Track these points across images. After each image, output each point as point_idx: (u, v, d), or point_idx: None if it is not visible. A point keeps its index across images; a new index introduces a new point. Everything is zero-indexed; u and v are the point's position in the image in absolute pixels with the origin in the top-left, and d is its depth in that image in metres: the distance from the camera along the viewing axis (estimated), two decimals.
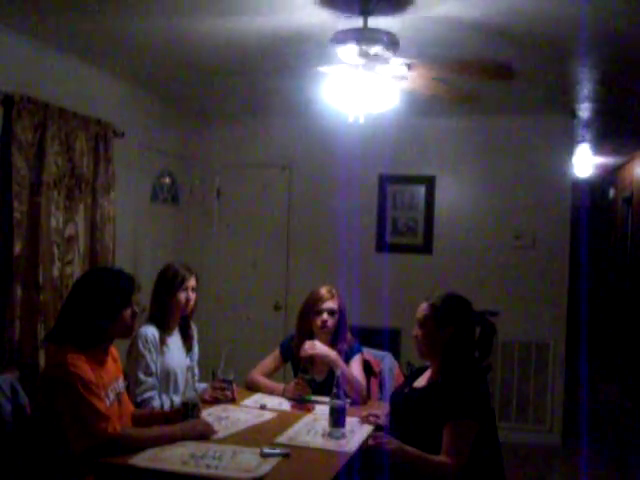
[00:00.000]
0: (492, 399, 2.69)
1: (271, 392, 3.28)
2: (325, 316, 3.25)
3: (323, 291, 3.31)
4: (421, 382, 2.62)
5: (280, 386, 3.29)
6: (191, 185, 5.66)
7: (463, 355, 2.50)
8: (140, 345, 2.98)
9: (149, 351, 3.00)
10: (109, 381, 2.45)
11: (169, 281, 3.11)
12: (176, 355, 3.13)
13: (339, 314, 3.30)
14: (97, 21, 3.31)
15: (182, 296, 3.12)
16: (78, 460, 2.26)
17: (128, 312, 2.49)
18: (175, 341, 3.17)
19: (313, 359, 3.23)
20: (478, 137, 5.36)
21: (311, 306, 3.30)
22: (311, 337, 3.28)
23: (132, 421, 2.60)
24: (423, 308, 2.57)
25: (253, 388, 3.35)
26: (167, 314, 3.12)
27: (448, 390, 2.42)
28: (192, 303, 3.17)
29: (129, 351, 3.02)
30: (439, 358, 2.53)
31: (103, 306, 2.42)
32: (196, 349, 3.33)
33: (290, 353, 3.38)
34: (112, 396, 2.44)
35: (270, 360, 3.43)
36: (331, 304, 3.28)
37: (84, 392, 2.26)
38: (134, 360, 2.98)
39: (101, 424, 2.25)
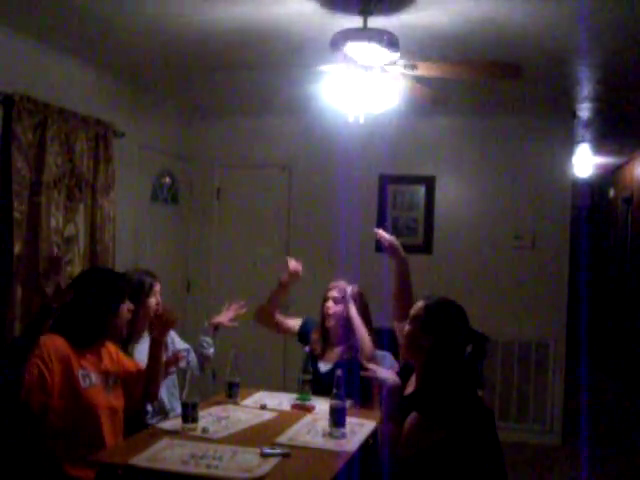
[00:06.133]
0: (482, 409, 2.38)
1: (276, 292, 3.45)
2: (330, 303, 3.38)
3: (336, 281, 3.46)
4: (409, 388, 2.48)
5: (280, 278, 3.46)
6: (191, 185, 5.67)
7: (444, 367, 2.33)
8: None
9: None
10: (97, 367, 2.56)
11: (136, 291, 3.03)
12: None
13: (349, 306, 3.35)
14: (98, 22, 3.31)
15: (152, 301, 3.11)
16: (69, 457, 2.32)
17: (125, 307, 2.68)
18: (145, 349, 3.03)
19: (325, 348, 3.36)
20: (478, 137, 5.36)
21: (323, 295, 3.46)
22: (326, 327, 3.40)
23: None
24: (418, 306, 2.45)
25: (261, 311, 3.52)
26: (136, 323, 3.02)
27: (425, 394, 2.30)
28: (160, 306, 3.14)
29: None
30: (420, 362, 2.39)
31: (106, 301, 2.59)
32: (179, 345, 3.30)
33: (306, 338, 3.49)
34: (95, 379, 2.52)
35: (289, 317, 3.60)
36: (337, 292, 3.38)
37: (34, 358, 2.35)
38: None
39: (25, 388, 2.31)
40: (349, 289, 3.33)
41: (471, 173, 5.43)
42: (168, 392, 3.17)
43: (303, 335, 3.52)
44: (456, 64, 3.01)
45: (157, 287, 3.16)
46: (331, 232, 5.38)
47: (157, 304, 3.14)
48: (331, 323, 3.37)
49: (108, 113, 4.24)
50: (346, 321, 3.34)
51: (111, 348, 2.71)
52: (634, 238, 7.48)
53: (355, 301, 3.35)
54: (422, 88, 3.28)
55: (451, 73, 3.03)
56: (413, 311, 2.45)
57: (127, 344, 3.05)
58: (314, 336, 3.42)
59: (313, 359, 3.31)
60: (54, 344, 2.44)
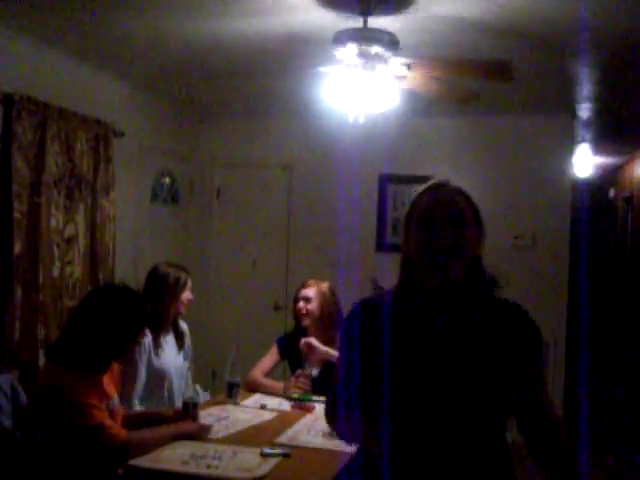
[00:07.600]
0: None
1: (271, 392, 3.29)
2: (301, 304, 3.36)
3: (306, 281, 3.44)
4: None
5: (280, 385, 3.30)
6: (191, 185, 5.67)
7: None
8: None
9: (140, 355, 3.01)
10: (104, 398, 2.41)
11: (173, 286, 3.12)
12: (171, 355, 3.17)
13: (321, 304, 3.34)
14: (97, 21, 3.31)
15: (185, 296, 3.18)
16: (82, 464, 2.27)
17: (139, 337, 2.49)
18: (169, 340, 3.20)
19: (307, 355, 3.26)
20: (478, 137, 5.36)
21: (294, 296, 3.45)
22: (301, 327, 3.37)
23: (123, 424, 2.57)
24: None
25: (253, 389, 3.35)
26: (165, 316, 3.15)
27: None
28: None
29: None
30: None
31: (128, 330, 2.39)
32: (189, 347, 3.35)
33: (288, 350, 3.40)
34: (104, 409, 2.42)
35: (268, 358, 3.46)
36: (306, 291, 3.38)
37: (89, 407, 2.24)
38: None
39: (111, 432, 2.24)
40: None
41: (471, 173, 5.40)
42: (180, 389, 3.21)
43: (289, 354, 3.42)
44: (447, 64, 3.00)
45: (190, 282, 3.21)
46: (331, 232, 5.38)
47: (188, 300, 3.19)
48: (306, 322, 3.34)
49: (108, 113, 4.24)
50: (320, 317, 3.34)
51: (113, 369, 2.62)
52: (634, 238, 7.48)
53: (325, 296, 3.37)
54: (449, 88, 3.27)
55: (442, 72, 3.02)
56: None
57: (158, 333, 3.11)
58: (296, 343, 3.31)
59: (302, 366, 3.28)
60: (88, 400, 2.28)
